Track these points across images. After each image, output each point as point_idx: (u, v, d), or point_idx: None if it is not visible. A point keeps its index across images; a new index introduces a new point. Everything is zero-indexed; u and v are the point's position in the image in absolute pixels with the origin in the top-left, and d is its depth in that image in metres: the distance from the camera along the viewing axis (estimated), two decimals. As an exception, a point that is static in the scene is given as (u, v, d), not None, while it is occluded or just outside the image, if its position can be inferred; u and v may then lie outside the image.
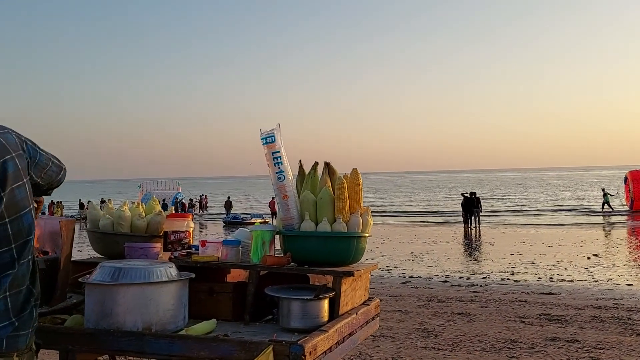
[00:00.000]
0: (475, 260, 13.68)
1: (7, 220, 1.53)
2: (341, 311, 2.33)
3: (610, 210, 30.35)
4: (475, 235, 20.56)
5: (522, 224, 25.11)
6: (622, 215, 28.40)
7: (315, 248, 2.48)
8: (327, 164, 2.75)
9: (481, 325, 6.36)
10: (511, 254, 14.29)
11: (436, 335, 5.92)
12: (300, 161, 2.84)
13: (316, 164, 2.74)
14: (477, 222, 23.83)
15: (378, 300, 2.95)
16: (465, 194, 24.72)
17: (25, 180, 1.61)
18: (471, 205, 23.84)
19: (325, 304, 2.27)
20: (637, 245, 16.21)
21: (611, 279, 10.28)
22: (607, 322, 6.50)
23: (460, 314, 6.99)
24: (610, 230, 21.76)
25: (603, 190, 32.06)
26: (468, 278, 10.70)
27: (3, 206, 1.52)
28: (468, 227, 23.10)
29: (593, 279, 10.35)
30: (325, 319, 2.23)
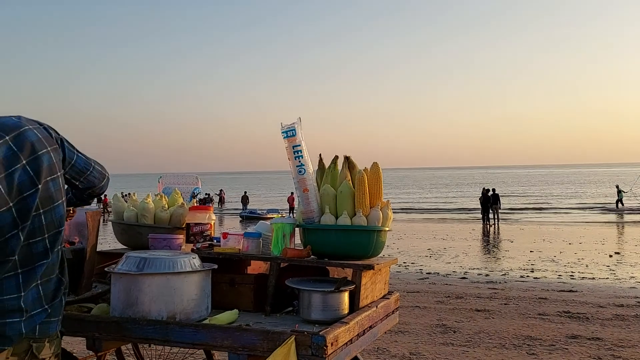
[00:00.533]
0: (494, 257, 13.56)
1: (41, 211, 1.58)
2: (361, 304, 2.35)
3: (623, 207, 30.15)
4: (494, 232, 20.36)
5: (541, 221, 24.79)
6: (636, 213, 27.91)
7: (335, 241, 2.49)
8: (347, 158, 2.76)
9: (500, 322, 6.32)
10: (531, 251, 14.14)
11: (454, 332, 5.90)
12: (320, 155, 2.86)
13: (336, 157, 2.75)
14: (496, 219, 23.60)
15: (398, 294, 2.96)
16: (485, 191, 24.49)
17: (59, 173, 1.66)
18: (490, 202, 23.62)
19: (346, 296, 2.28)
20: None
21: (634, 277, 10.10)
22: (629, 320, 6.40)
23: (478, 311, 6.96)
24: (631, 228, 21.36)
25: (617, 187, 31.84)
26: (487, 275, 10.61)
27: (38, 198, 1.56)
28: (487, 223, 22.89)
29: (615, 277, 10.18)
30: (346, 311, 2.25)
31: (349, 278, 2.49)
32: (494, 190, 24.92)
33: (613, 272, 10.80)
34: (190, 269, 2.11)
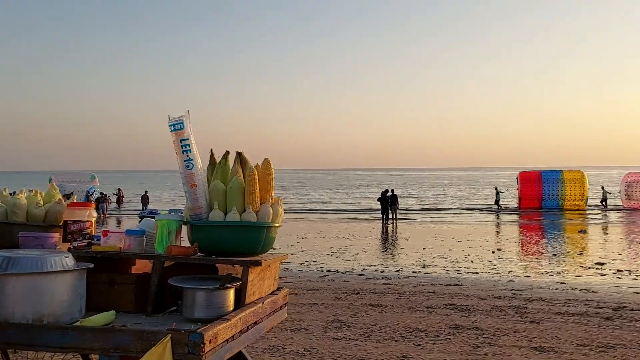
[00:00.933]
0: (390, 255, 14.17)
1: None
2: (247, 300, 2.34)
3: (499, 207, 32.53)
4: (392, 230, 21.28)
5: (435, 221, 26.30)
6: (511, 213, 30.43)
7: (224, 238, 2.47)
8: (239, 154, 2.74)
9: (392, 316, 6.62)
10: (424, 249, 14.95)
11: (349, 326, 6.08)
12: (211, 150, 2.81)
13: (227, 153, 2.73)
14: (395, 219, 24.70)
15: (287, 290, 2.99)
16: (384, 191, 25.53)
17: None
18: (389, 202, 24.67)
19: (231, 293, 2.27)
20: (536, 241, 17.53)
21: (512, 271, 11.05)
22: (505, 310, 6.99)
23: (372, 305, 7.23)
24: (511, 227, 23.37)
25: (496, 188, 34.43)
26: (383, 271, 11.07)
27: None
28: (386, 223, 23.87)
29: (495, 271, 11.08)
30: (231, 308, 2.23)
31: (238, 275, 2.47)
32: (392, 191, 26.06)
33: (494, 267, 11.74)
34: (61, 269, 1.98)
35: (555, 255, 13.62)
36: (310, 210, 33.98)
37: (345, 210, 34.22)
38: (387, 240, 17.93)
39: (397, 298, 7.80)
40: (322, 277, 10.27)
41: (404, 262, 12.46)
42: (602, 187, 34.27)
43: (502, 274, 10.83)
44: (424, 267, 11.60)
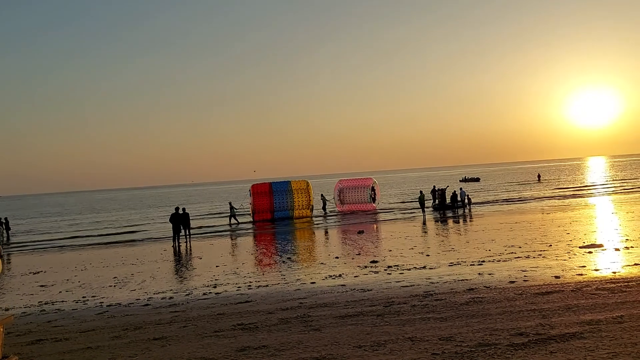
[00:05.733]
0: (181, 277, 13.53)
1: None
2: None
3: (237, 222, 31.15)
4: (185, 250, 20.50)
5: (227, 235, 26.22)
6: (248, 225, 30.05)
7: None
8: None
9: (176, 348, 6.20)
10: (217, 266, 14.69)
11: (126, 369, 5.48)
12: None
13: None
14: (188, 237, 23.89)
15: (15, 357, 2.43)
16: (175, 210, 24.48)
17: None
18: (180, 221, 23.76)
19: None
20: (322, 244, 18.70)
21: (299, 279, 11.51)
22: (291, 322, 7.15)
23: (156, 339, 6.70)
24: (283, 236, 24.66)
25: (230, 204, 33.53)
26: (171, 297, 10.44)
27: None
28: (177, 243, 22.92)
29: (285, 282, 11.40)
30: None
31: None
32: (184, 209, 25.22)
33: (283, 276, 12.09)
34: None
35: (338, 257, 14.67)
36: (87, 237, 30.86)
37: (128, 233, 31.85)
38: (180, 262, 17.15)
39: (184, 326, 7.38)
40: (101, 314, 9.21)
41: (194, 284, 12.00)
42: (322, 195, 37.65)
43: (291, 283, 11.19)
44: (215, 287, 11.33)
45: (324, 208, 35.74)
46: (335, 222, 28.98)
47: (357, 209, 34.61)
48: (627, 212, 22.56)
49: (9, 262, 20.12)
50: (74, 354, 6.31)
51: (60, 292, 12.22)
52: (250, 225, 30.05)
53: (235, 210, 32.56)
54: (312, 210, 33.14)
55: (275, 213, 31.98)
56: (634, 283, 8.35)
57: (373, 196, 35.11)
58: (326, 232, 24.16)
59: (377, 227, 24.64)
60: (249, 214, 33.17)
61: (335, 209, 35.66)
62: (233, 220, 31.81)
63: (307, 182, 33.72)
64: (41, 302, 11.06)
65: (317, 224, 28.41)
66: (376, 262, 13.28)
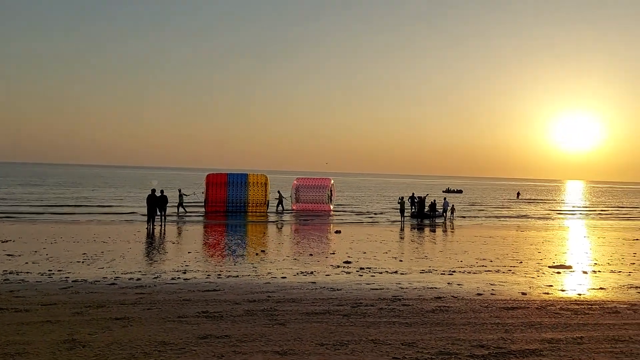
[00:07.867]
0: (151, 260, 13.38)
1: None
2: None
3: (184, 212, 29.72)
4: (160, 233, 20.30)
5: (204, 222, 26.03)
6: (199, 215, 29.15)
7: None
8: None
9: (137, 330, 6.12)
10: (189, 252, 14.57)
11: (84, 346, 5.41)
12: None
13: None
14: (163, 220, 23.64)
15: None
16: (152, 191, 24.19)
17: None
18: (156, 203, 23.49)
19: None
20: (299, 241, 18.67)
21: (270, 273, 11.47)
22: (257, 314, 7.11)
23: (118, 319, 6.61)
24: (287, 228, 24.60)
25: (180, 191, 31.99)
26: (139, 279, 10.33)
27: None
28: (152, 225, 22.66)
29: (255, 274, 11.35)
30: None
31: None
32: (162, 191, 24.95)
33: (255, 269, 12.04)
34: None
35: (312, 255, 14.67)
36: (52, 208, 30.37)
37: (104, 214, 31.42)
38: (152, 244, 16.96)
39: (149, 309, 7.29)
40: (65, 288, 9.06)
41: (164, 268, 11.89)
42: (278, 191, 35.76)
43: (261, 275, 11.15)
44: (184, 273, 11.22)
45: (279, 205, 33.73)
46: (289, 219, 28.83)
47: (313, 208, 33.83)
48: (599, 237, 22.96)
49: (-23, 228, 19.69)
50: (33, 326, 6.20)
51: (26, 263, 12.00)
52: (202, 216, 28.74)
53: (183, 199, 30.62)
54: (268, 205, 32.46)
55: (228, 205, 31.26)
56: (597, 306, 8.50)
57: (330, 197, 34.65)
58: (296, 230, 24.14)
59: (331, 229, 24.71)
60: (201, 204, 31.96)
61: (290, 207, 34.43)
62: (181, 209, 29.93)
63: (266, 177, 32.88)
64: (6, 271, 10.85)
65: (271, 221, 27.77)
66: (349, 262, 13.31)
